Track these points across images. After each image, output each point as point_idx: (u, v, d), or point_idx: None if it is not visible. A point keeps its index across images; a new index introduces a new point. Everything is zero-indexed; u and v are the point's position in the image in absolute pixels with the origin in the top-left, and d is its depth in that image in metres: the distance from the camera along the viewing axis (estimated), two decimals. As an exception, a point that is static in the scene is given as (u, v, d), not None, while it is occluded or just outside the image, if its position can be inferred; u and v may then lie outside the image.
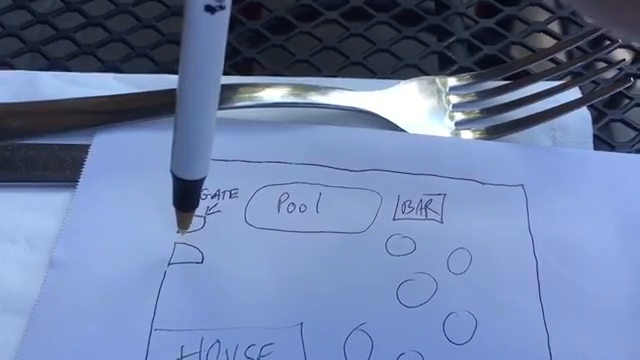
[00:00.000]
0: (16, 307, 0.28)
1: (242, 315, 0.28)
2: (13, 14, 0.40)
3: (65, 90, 0.34)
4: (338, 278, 0.29)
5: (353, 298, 0.28)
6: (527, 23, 0.40)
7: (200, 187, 0.27)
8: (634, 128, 0.35)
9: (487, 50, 0.38)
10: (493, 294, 0.28)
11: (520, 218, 0.30)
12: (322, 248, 0.29)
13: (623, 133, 0.35)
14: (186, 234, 0.29)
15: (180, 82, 0.24)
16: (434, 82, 0.35)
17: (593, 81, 0.36)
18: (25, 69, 0.36)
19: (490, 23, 0.40)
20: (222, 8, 0.22)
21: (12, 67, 0.37)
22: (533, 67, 0.35)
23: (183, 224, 0.28)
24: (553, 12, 0.40)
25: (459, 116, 0.34)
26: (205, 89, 0.24)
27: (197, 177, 0.26)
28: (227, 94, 0.33)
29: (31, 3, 0.40)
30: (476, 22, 0.40)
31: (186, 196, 0.27)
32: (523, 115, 0.33)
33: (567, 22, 0.41)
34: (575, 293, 0.29)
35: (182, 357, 0.26)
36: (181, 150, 0.26)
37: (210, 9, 0.22)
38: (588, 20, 0.38)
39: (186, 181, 0.26)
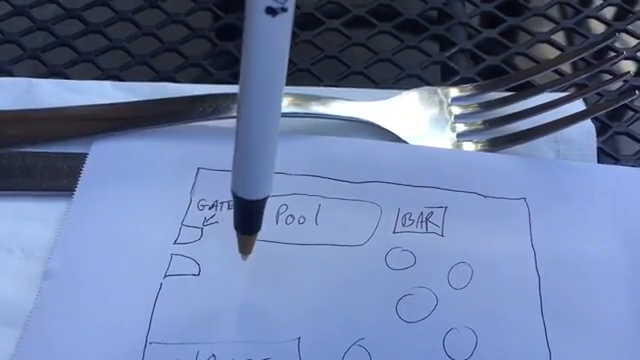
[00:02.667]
0: (10, 318, 0.28)
1: (238, 329, 0.27)
2: (13, 21, 0.40)
3: (63, 98, 0.34)
4: (336, 292, 0.28)
5: (351, 312, 0.28)
6: (531, 34, 0.39)
7: (264, 207, 0.25)
8: (638, 141, 0.35)
9: (490, 61, 0.38)
10: (494, 310, 0.28)
11: (522, 232, 0.30)
12: (320, 261, 0.29)
13: (627, 146, 0.35)
14: (183, 245, 0.29)
15: (241, 91, 0.22)
16: (436, 93, 0.35)
17: (598, 93, 0.35)
18: (24, 76, 0.36)
19: (493, 33, 0.39)
20: (284, 10, 0.20)
21: (11, 74, 0.37)
22: (537, 78, 0.35)
23: (246, 248, 0.26)
24: (557, 23, 0.40)
25: (461, 127, 0.34)
26: (267, 98, 0.22)
27: (261, 196, 0.24)
28: (227, 103, 0.32)
29: (31, 10, 0.40)
30: (479, 32, 0.39)
31: (249, 218, 0.25)
32: (526, 127, 0.33)
33: (571, 33, 0.41)
34: (578, 309, 0.28)
35: (177, 371, 0.26)
36: (243, 167, 0.24)
37: (271, 11, 0.20)
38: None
39: (249, 201, 0.24)
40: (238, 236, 0.26)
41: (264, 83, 0.22)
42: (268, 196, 0.25)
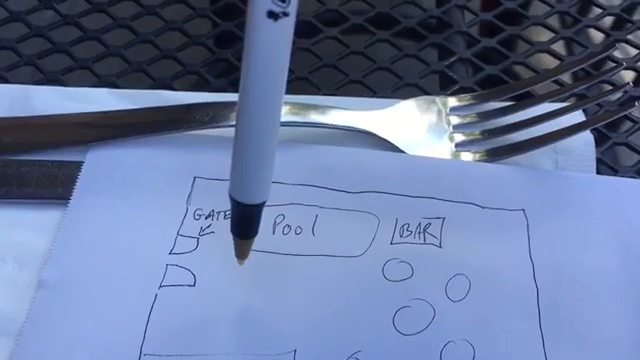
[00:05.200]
0: (3, 328, 0.27)
1: (234, 341, 0.27)
2: (9, 27, 0.39)
3: (59, 105, 0.34)
4: (333, 304, 0.28)
5: (348, 324, 0.27)
6: (530, 43, 0.39)
7: (261, 212, 0.25)
8: (638, 152, 0.35)
9: (489, 70, 0.38)
10: (492, 322, 0.28)
11: (521, 244, 0.30)
12: (317, 272, 0.29)
13: (627, 157, 0.35)
14: (178, 256, 0.28)
15: (241, 95, 0.22)
16: (434, 102, 0.34)
17: (597, 103, 0.35)
18: (20, 83, 0.35)
19: (492, 42, 0.39)
20: (286, 15, 0.21)
21: (7, 81, 0.36)
22: (536, 88, 0.35)
23: (242, 253, 0.26)
24: (556, 32, 0.40)
25: (459, 137, 0.33)
26: (267, 103, 0.22)
27: (259, 201, 0.24)
28: (224, 112, 0.32)
29: (28, 16, 0.40)
30: (478, 41, 0.39)
31: (246, 222, 0.25)
32: (525, 137, 0.33)
33: (571, 43, 0.40)
34: (576, 322, 0.28)
35: (171, 383, 0.26)
36: (241, 171, 0.24)
37: (273, 15, 0.20)
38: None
39: (247, 205, 0.24)
40: (235, 240, 0.26)
41: (265, 87, 0.22)
42: (266, 201, 0.25)
